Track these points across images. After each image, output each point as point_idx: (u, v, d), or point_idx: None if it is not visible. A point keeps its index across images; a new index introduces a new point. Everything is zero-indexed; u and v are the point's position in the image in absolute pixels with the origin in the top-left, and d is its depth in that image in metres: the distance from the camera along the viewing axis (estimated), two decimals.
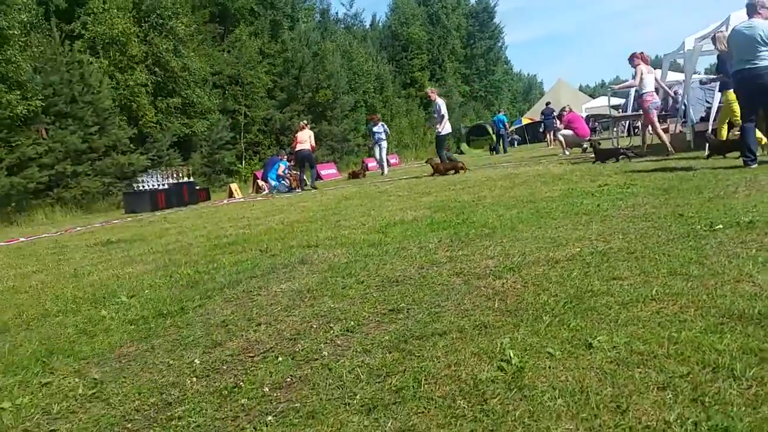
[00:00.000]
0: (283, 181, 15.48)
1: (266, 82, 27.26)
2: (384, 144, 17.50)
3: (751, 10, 6.36)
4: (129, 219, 11.82)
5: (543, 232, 4.00)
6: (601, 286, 2.54)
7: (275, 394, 1.88)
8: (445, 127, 13.12)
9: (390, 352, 2.10)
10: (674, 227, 3.55)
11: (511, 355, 1.87)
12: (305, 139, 14.64)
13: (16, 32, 15.34)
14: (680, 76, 14.45)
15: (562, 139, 15.16)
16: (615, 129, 16.50)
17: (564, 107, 17.06)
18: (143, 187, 14.73)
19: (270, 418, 1.71)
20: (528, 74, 76.15)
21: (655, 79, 10.19)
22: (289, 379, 1.99)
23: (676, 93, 13.29)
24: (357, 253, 4.20)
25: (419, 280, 3.13)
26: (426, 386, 1.76)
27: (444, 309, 2.54)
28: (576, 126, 15.05)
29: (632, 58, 10.14)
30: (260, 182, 16.78)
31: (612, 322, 2.10)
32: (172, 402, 1.92)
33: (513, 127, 33.73)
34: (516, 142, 35.36)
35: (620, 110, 19.07)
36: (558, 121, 16.85)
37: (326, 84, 29.77)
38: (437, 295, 2.77)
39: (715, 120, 9.66)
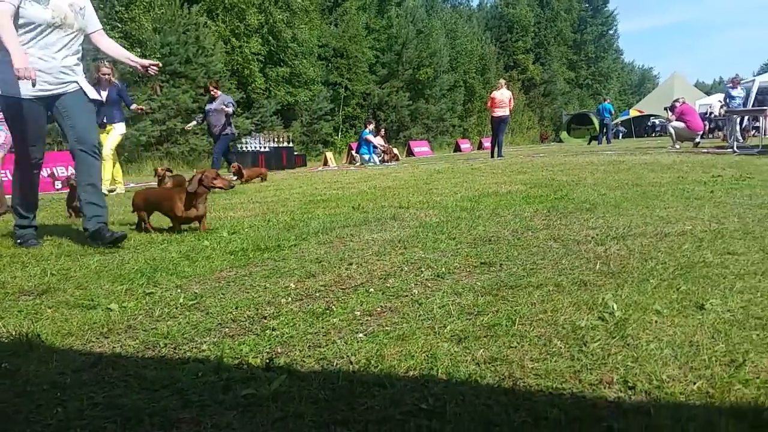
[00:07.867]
0: (375, 154, 15.60)
1: (369, 57, 27.43)
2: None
3: None
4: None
5: (650, 211, 3.77)
6: (715, 258, 2.36)
7: (366, 319, 1.90)
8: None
9: (482, 296, 2.06)
10: None
11: (615, 307, 1.78)
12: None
13: None
14: None
15: (672, 131, 14.23)
16: (728, 127, 14.84)
17: (677, 99, 15.94)
18: (246, 148, 15.39)
19: (361, 335, 1.73)
20: (642, 66, 71.29)
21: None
22: (379, 309, 2.00)
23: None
24: (449, 215, 4.16)
25: (513, 241, 3.05)
26: (520, 326, 1.71)
27: (540, 266, 2.46)
28: (688, 119, 14.03)
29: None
30: (354, 153, 17.01)
31: (726, 289, 1.94)
32: (267, 316, 2.00)
33: (619, 119, 32.03)
34: (621, 134, 33.62)
35: (727, 105, 17.07)
36: (670, 113, 15.79)
37: (428, 62, 29.50)
38: (533, 255, 2.69)
39: None
